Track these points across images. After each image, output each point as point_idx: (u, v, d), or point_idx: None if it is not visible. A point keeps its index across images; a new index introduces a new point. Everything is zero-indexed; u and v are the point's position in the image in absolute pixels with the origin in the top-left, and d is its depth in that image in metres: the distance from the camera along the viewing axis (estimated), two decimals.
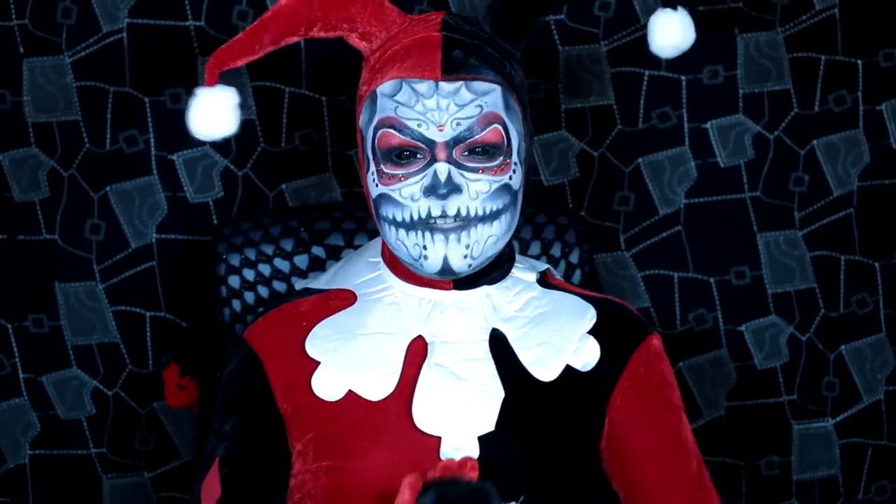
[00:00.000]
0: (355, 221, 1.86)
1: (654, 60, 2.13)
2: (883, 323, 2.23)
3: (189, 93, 2.06)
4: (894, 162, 2.19)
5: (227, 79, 1.57)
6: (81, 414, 2.16)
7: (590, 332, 1.57)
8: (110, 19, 2.09)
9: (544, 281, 1.62)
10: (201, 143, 2.11)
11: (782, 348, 2.21)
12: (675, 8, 1.58)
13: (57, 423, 2.16)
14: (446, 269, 1.50)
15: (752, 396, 2.22)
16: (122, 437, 2.16)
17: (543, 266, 1.65)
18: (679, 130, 2.16)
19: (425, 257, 1.50)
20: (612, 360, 1.57)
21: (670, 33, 1.58)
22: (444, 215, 1.48)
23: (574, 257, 1.87)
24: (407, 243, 1.50)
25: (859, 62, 2.16)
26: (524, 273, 1.61)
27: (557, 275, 1.70)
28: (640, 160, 2.17)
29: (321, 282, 1.64)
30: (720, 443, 2.22)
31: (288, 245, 1.85)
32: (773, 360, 2.22)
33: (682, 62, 2.07)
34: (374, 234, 1.81)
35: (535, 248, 1.86)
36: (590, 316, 1.58)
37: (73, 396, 2.15)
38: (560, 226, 1.87)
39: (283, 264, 1.84)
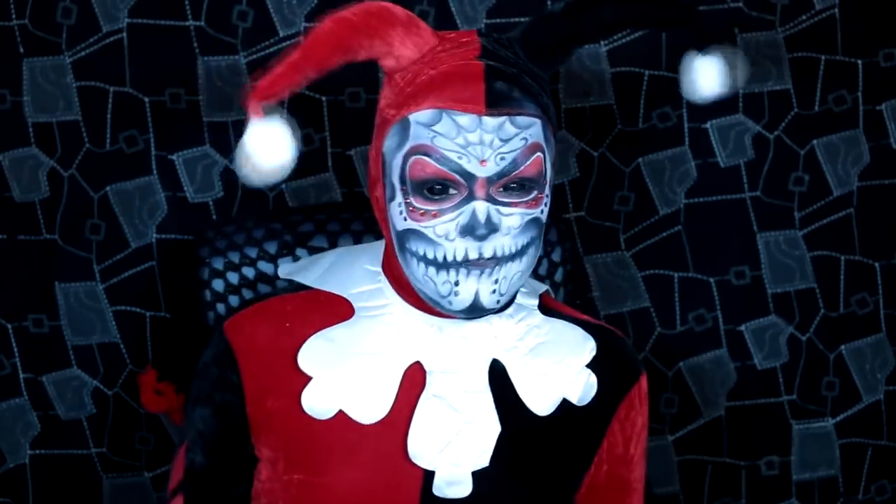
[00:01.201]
0: (364, 222, 1.83)
1: (653, 60, 2.13)
2: (883, 323, 2.22)
3: (189, 93, 2.08)
4: (894, 162, 2.19)
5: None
6: (81, 414, 2.16)
7: (588, 366, 1.54)
8: (110, 19, 2.09)
9: (544, 306, 1.58)
10: (201, 143, 2.10)
11: (782, 348, 2.21)
12: (706, 50, 1.50)
13: (57, 423, 2.16)
14: (476, 306, 1.44)
15: (752, 396, 2.22)
16: (122, 437, 2.16)
17: (542, 287, 1.61)
18: (679, 130, 2.16)
19: (455, 293, 1.43)
20: (607, 393, 1.55)
21: (707, 78, 1.51)
22: (480, 257, 1.42)
23: (556, 255, 1.87)
24: (436, 280, 1.43)
25: (859, 62, 2.16)
26: (527, 298, 1.56)
27: (553, 294, 1.68)
28: (640, 160, 2.16)
29: (309, 277, 1.57)
30: (720, 443, 2.22)
31: (272, 248, 1.82)
32: (773, 360, 2.22)
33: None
34: (365, 237, 1.81)
35: None
36: (589, 349, 1.55)
37: (74, 396, 2.15)
38: None
39: (267, 267, 1.82)
